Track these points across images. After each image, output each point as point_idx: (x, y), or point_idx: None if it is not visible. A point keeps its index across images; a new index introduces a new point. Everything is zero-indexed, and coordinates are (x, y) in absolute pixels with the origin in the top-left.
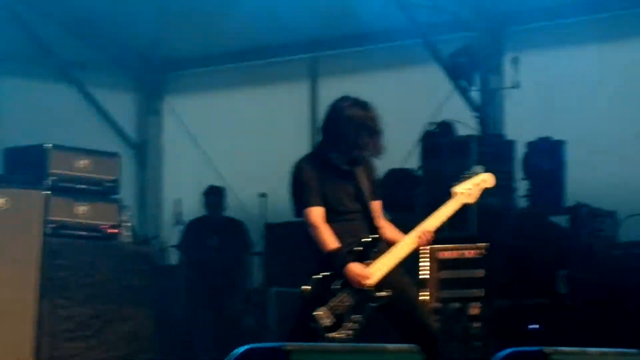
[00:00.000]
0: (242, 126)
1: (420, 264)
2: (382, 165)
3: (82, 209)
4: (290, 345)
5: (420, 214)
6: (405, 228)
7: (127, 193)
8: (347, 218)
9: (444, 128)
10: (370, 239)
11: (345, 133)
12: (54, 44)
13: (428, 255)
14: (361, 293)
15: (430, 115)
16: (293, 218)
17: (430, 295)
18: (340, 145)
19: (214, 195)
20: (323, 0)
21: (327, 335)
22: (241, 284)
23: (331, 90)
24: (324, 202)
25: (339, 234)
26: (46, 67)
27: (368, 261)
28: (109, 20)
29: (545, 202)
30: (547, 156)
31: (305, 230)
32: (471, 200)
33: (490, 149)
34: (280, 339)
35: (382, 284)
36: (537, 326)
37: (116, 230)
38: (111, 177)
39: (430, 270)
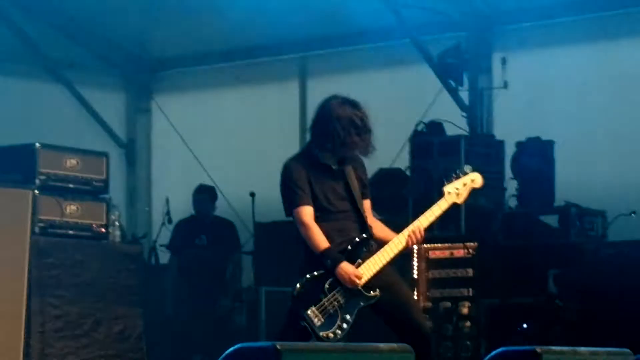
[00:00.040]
0: (231, 126)
1: (410, 264)
2: (371, 165)
3: (71, 208)
4: (280, 345)
5: (409, 214)
6: (395, 228)
7: (116, 192)
8: (337, 217)
9: (433, 128)
10: (360, 239)
11: (334, 132)
12: (42, 43)
13: (417, 254)
14: (352, 292)
15: (419, 115)
16: (282, 217)
17: (420, 294)
18: (329, 144)
19: (204, 194)
20: (312, 0)
21: (317, 334)
22: (231, 283)
23: (321, 90)
24: (313, 202)
25: (328, 234)
26: (35, 66)
27: (359, 261)
28: (97, 19)
29: (534, 201)
30: (537, 156)
31: (295, 229)
32: (460, 200)
33: (480, 149)
34: (271, 338)
35: (373, 283)
36: (525, 326)
37: (105, 230)
38: (100, 177)
39: (420, 269)
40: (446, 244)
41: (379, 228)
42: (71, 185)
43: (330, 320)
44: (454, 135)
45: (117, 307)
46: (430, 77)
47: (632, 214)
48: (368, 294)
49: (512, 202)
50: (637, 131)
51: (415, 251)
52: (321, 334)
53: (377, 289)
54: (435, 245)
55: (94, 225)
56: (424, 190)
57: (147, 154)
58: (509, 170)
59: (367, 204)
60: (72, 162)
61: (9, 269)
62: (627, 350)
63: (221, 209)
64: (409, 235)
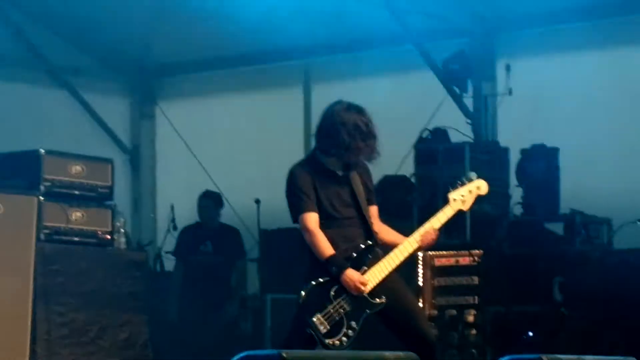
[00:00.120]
0: (235, 132)
1: (415, 271)
2: (376, 172)
3: (76, 214)
4: (286, 352)
5: (414, 221)
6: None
7: (120, 199)
8: (342, 224)
9: (438, 135)
10: (365, 245)
11: (339, 137)
12: (47, 49)
13: (423, 262)
14: (357, 299)
15: (423, 121)
16: (287, 224)
17: (425, 302)
18: (334, 150)
19: (209, 200)
20: (317, 6)
21: (323, 341)
22: (236, 290)
23: (325, 96)
24: (318, 208)
25: (333, 240)
26: (39, 72)
27: (364, 267)
28: (102, 25)
29: (539, 209)
30: (542, 163)
31: (300, 236)
32: (466, 207)
33: (485, 156)
34: (276, 345)
35: (379, 290)
36: (530, 334)
37: (110, 237)
38: (105, 183)
39: (425, 277)
40: (452, 252)
41: (386, 232)
42: (76, 192)
43: (336, 327)
44: (459, 142)
45: (122, 314)
46: (435, 84)
47: (638, 222)
48: (374, 301)
49: (517, 210)
50: None
51: (420, 258)
52: (327, 341)
53: (383, 296)
54: (441, 252)
55: (99, 232)
56: (429, 198)
57: (151, 160)
58: (514, 177)
59: (373, 209)
60: (77, 168)
61: (15, 275)
62: (633, 358)
63: (226, 215)
64: (421, 235)
